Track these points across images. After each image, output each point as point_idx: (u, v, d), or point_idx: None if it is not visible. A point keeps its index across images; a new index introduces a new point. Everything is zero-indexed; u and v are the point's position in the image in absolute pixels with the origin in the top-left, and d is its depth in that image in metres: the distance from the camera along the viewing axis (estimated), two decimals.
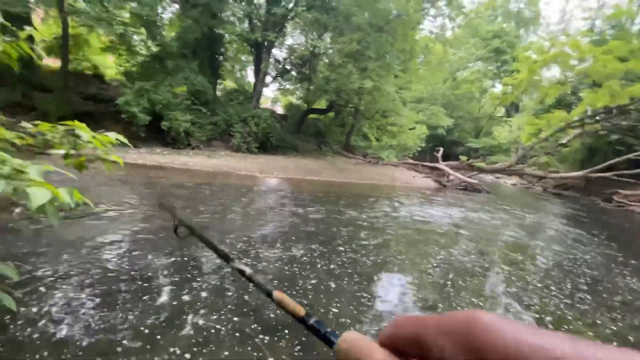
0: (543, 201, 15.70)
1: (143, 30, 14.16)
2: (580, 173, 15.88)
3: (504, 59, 32.92)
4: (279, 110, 22.92)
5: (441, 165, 16.46)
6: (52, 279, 2.89)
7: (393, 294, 3.51)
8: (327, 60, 15.70)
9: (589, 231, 8.40)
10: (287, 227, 5.45)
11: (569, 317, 3.40)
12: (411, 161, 20.18)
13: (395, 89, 17.81)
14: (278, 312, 2.80)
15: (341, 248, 4.67)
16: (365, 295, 3.34)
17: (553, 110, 19.90)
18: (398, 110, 18.75)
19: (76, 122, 2.27)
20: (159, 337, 2.32)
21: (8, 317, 2.30)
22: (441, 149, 18.96)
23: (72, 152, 2.49)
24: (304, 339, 2.49)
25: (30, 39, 1.80)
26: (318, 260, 4.09)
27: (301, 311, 0.31)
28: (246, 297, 3.01)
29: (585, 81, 19.01)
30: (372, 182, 13.44)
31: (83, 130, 2.30)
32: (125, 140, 2.44)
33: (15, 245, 3.47)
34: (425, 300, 3.41)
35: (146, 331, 2.36)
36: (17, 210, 4.35)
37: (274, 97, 23.66)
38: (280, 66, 17.68)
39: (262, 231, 5.05)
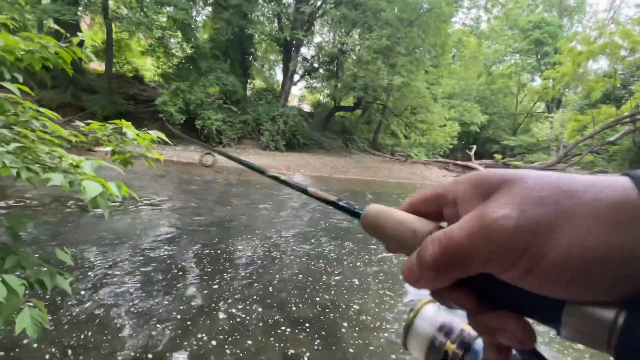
0: None
1: (179, 33, 14.85)
2: None
3: (544, 51, 30.82)
4: (306, 108, 23.08)
5: (474, 164, 15.82)
6: (101, 265, 3.15)
7: (416, 292, 3.46)
8: (355, 57, 15.57)
9: None
10: (310, 224, 5.51)
11: None
12: (442, 159, 19.58)
13: (425, 85, 17.31)
14: (300, 305, 2.86)
15: (368, 246, 4.66)
16: (388, 293, 3.32)
17: (600, 105, 18.41)
18: (428, 107, 18.19)
19: (123, 121, 2.45)
20: (189, 323, 2.46)
21: (59, 298, 2.54)
22: (474, 147, 18.23)
23: (118, 149, 2.69)
24: (323, 332, 2.53)
25: (80, 44, 1.96)
26: (345, 258, 4.11)
27: (333, 197, 0.34)
28: (270, 288, 3.10)
29: (637, 73, 17.36)
30: (399, 181, 13.21)
31: (129, 129, 2.48)
32: (166, 138, 2.60)
33: (71, 233, 3.81)
34: None
35: (179, 316, 2.51)
36: (71, 203, 4.77)
37: (302, 95, 23.83)
38: (308, 64, 17.78)
39: (289, 226, 5.15)
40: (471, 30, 31.40)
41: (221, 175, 8.83)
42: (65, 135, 2.26)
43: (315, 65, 17.96)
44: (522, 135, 31.51)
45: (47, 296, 2.51)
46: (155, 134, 2.62)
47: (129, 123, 2.60)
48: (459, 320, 0.31)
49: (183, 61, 15.02)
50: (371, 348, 2.43)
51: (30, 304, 1.40)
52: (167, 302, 2.70)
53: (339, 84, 15.74)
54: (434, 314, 0.33)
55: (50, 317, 2.29)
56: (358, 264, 3.98)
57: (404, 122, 20.35)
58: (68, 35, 2.37)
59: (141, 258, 3.44)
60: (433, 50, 16.94)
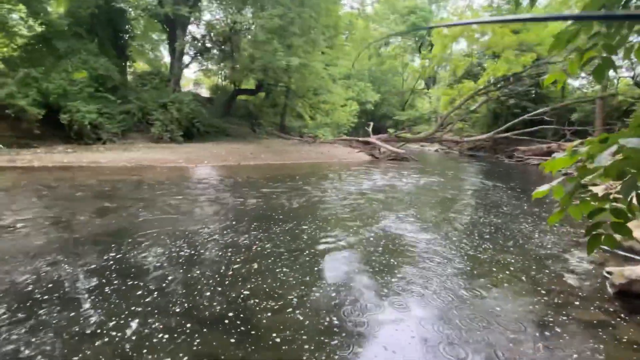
0: (459, 163, 17.67)
1: (21, 6, 11.65)
2: (487, 135, 18.17)
3: (420, 33, 35.09)
4: (204, 93, 21.35)
5: (372, 139, 17.27)
6: None
7: (335, 264, 3.63)
8: (250, 37, 14.90)
9: (495, 182, 9.74)
10: (225, 216, 5.22)
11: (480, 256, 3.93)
12: (346, 137, 20.80)
13: (322, 66, 17.84)
14: (207, 303, 2.69)
15: (279, 228, 4.65)
16: (311, 270, 3.40)
17: (463, 80, 22.14)
18: (329, 88, 18.91)
19: None
20: (87, 349, 2.05)
21: None
22: (371, 124, 19.86)
23: None
24: (238, 327, 2.44)
25: None
26: (262, 242, 4.01)
27: None
28: (171, 292, 2.82)
29: (487, 52, 21.35)
30: (310, 161, 13.55)
31: None
32: None
33: None
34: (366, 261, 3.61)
35: (66, 349, 2.06)
36: None
37: (197, 78, 21.86)
38: (199, 44, 16.26)
39: (198, 223, 4.75)
40: (359, 13, 33.37)
41: (101, 176, 7.52)
42: None
43: (208, 45, 16.57)
44: (410, 110, 35.83)
45: None
46: None
47: None
48: None
49: (32, 42, 11.95)
50: (285, 329, 2.45)
51: None
52: (45, 330, 2.18)
53: (237, 66, 14.93)
54: None
55: None
56: (274, 262, 3.94)
57: (308, 103, 20.77)
58: None
59: (11, 288, 2.68)
60: (327, 32, 17.43)
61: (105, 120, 11.81)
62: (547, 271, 3.69)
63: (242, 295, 2.89)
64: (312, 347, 2.27)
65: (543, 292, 3.20)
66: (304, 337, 2.38)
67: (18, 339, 2.19)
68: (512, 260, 3.93)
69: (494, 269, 3.69)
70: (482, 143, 21.45)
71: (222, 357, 2.14)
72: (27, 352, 2.08)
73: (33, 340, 2.18)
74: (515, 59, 17.29)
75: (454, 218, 5.82)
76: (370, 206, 6.39)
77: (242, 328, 2.44)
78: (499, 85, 18.91)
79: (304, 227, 4.83)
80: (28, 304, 2.57)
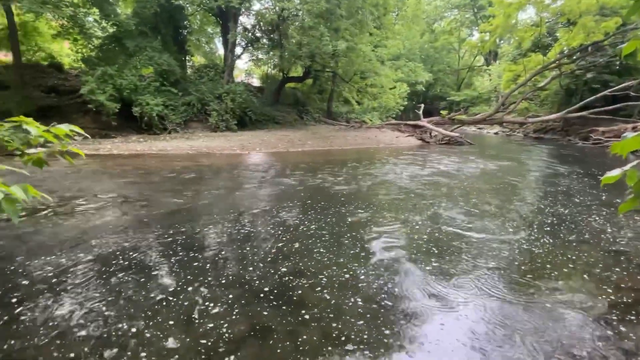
0: (523, 146, 16.09)
1: (95, 9, 13.10)
2: (558, 115, 16.17)
3: (480, 4, 31.94)
4: (255, 82, 22.13)
5: (423, 122, 16.49)
6: (51, 272, 2.91)
7: (383, 246, 3.67)
8: (297, 24, 14.96)
9: (566, 168, 8.74)
10: (276, 199, 5.51)
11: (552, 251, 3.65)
12: (394, 121, 20.15)
13: (371, 48, 17.29)
14: (264, 279, 2.92)
15: (330, 210, 4.78)
16: (353, 254, 3.49)
17: (530, 54, 19.79)
18: (376, 70, 18.33)
19: (22, 117, 2.17)
20: (152, 313, 2.41)
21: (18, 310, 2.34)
22: (422, 106, 18.91)
23: (38, 149, 2.41)
24: (289, 301, 2.63)
25: None
26: (307, 226, 4.19)
27: None
28: (234, 266, 3.11)
29: (561, 20, 18.74)
30: (356, 147, 13.47)
31: (31, 125, 2.21)
32: (81, 130, 2.36)
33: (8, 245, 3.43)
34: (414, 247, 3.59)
35: (141, 307, 2.44)
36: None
37: (248, 69, 22.68)
38: (250, 35, 16.77)
39: (246, 206, 5.10)
40: None
41: (169, 163, 8.35)
42: None
43: (258, 34, 17.01)
44: (466, 90, 33.24)
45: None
46: (66, 127, 2.38)
47: (31, 119, 2.34)
48: None
49: (106, 42, 13.42)
50: (339, 312, 2.58)
51: None
52: (125, 297, 2.60)
53: (285, 54, 15.17)
54: None
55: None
56: (324, 242, 4.09)
57: (355, 87, 20.40)
58: None
59: (92, 259, 3.23)
60: (375, 11, 16.76)
61: (169, 111, 12.96)
62: (616, 269, 3.31)
63: (291, 272, 3.08)
64: (351, 328, 2.37)
65: (610, 291, 2.89)
66: (345, 316, 2.48)
67: (101, 301, 2.63)
68: (575, 257, 3.58)
69: (553, 265, 3.41)
70: (551, 124, 19.19)
71: (273, 327, 2.34)
72: (110, 312, 2.49)
73: (113, 302, 2.60)
74: (595, 26, 14.90)
75: (513, 207, 5.42)
76: (417, 193, 6.21)
77: (288, 304, 2.62)
78: (574, 57, 16.56)
79: (349, 211, 4.90)
80: (110, 271, 3.05)
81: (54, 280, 2.87)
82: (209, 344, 2.17)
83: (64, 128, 2.33)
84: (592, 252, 3.66)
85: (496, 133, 23.91)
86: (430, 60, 33.68)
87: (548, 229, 4.37)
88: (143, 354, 2.05)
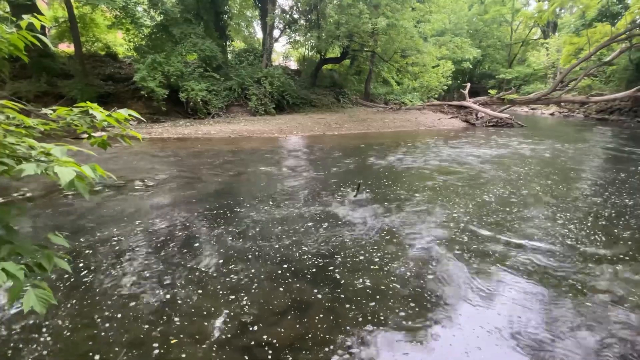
0: (583, 129, 14.53)
1: None
2: (626, 93, 14.29)
3: None
4: (293, 65, 22.11)
5: (468, 102, 15.50)
6: (108, 244, 3.29)
7: (419, 236, 3.62)
8: (336, 2, 14.53)
9: (634, 153, 7.79)
10: (312, 182, 5.60)
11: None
12: (436, 102, 19.15)
13: (413, 24, 16.33)
14: (304, 258, 3.03)
15: (367, 203, 4.78)
16: (390, 243, 3.49)
17: (595, 24, 17.46)
18: (419, 48, 17.30)
19: (89, 103, 2.41)
20: (202, 283, 2.64)
21: (64, 281, 2.71)
22: (468, 85, 17.71)
23: (102, 132, 2.67)
24: (327, 280, 2.71)
25: (34, 27, 1.85)
26: (345, 213, 4.24)
27: None
28: (275, 245, 3.26)
29: None
30: (394, 130, 13.09)
31: (96, 110, 2.45)
32: (138, 115, 2.56)
33: (74, 218, 3.92)
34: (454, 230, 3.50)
35: (190, 278, 2.69)
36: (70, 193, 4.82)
37: (286, 51, 22.65)
38: (287, 16, 16.64)
39: (288, 188, 5.25)
40: None
41: (216, 147, 8.78)
42: (34, 124, 2.25)
43: (295, 16, 16.83)
44: (519, 67, 30.44)
45: (67, 277, 2.67)
46: (125, 112, 2.59)
47: (96, 104, 2.57)
48: None
49: (154, 30, 14.11)
50: (370, 287, 2.63)
51: (33, 285, 1.51)
52: (177, 269, 2.88)
53: (323, 34, 14.89)
54: None
55: (70, 296, 2.47)
56: (361, 224, 4.12)
57: (395, 67, 19.53)
58: (14, 19, 2.24)
59: (148, 233, 3.58)
60: None
61: (213, 97, 13.47)
62: None
63: (327, 253, 3.16)
64: (391, 307, 2.40)
65: None
66: (384, 294, 2.51)
67: (156, 270, 2.91)
68: (624, 256, 3.25)
69: (601, 264, 3.13)
70: (618, 103, 17.03)
71: (311, 303, 2.45)
72: (162, 281, 2.75)
73: (165, 272, 2.87)
74: None
75: (565, 198, 4.99)
76: (457, 180, 5.94)
77: (325, 283, 2.71)
78: None
79: (381, 197, 4.84)
80: (164, 244, 3.35)
81: (116, 248, 3.23)
82: (252, 315, 2.34)
83: (124, 113, 2.55)
84: None
85: (552, 114, 21.79)
86: (478, 35, 31.09)
87: (603, 222, 3.98)
88: (191, 321, 2.27)
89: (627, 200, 4.64)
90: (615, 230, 3.69)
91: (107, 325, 2.22)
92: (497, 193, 4.99)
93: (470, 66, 27.61)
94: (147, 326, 2.22)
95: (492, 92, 18.42)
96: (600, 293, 2.57)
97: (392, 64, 18.80)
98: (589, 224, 3.84)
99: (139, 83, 11.87)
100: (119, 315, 2.31)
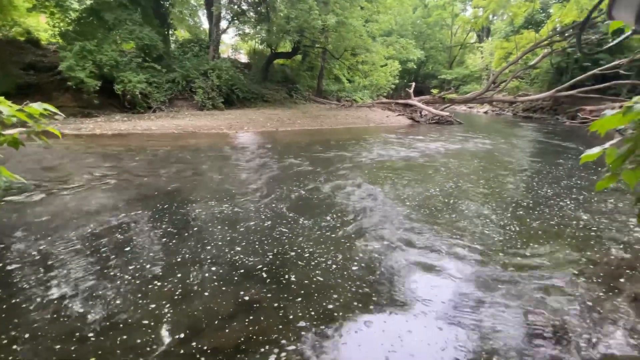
0: (511, 125, 16.26)
1: None
2: (547, 93, 16.25)
3: None
4: (243, 58, 21.41)
5: (413, 101, 16.41)
6: (36, 252, 2.89)
7: (366, 231, 3.75)
8: None
9: (553, 147, 8.92)
10: (264, 180, 5.49)
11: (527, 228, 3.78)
12: (385, 100, 19.96)
13: (362, 23, 16.79)
14: (251, 258, 2.97)
15: (315, 200, 4.81)
16: (335, 237, 3.56)
17: (522, 30, 19.57)
18: (367, 47, 17.87)
19: None
20: (143, 289, 2.44)
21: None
22: (413, 84, 18.73)
23: (15, 130, 2.34)
24: (274, 279, 2.69)
25: None
26: (294, 212, 4.23)
27: None
28: (221, 246, 3.15)
29: None
30: (346, 126, 13.38)
31: (2, 104, 2.12)
32: (55, 109, 2.27)
33: None
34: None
35: (129, 285, 2.47)
36: None
37: (235, 44, 21.85)
38: (235, 7, 16.03)
39: (234, 187, 5.08)
40: None
41: (158, 143, 8.17)
42: None
43: (244, 7, 16.29)
44: (458, 68, 32.91)
45: None
46: (39, 106, 2.30)
47: (2, 98, 2.25)
48: None
49: (83, 15, 12.65)
50: (320, 284, 2.66)
51: None
52: (114, 278, 2.62)
53: (273, 28, 14.62)
54: None
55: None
56: (312, 221, 4.13)
57: (346, 65, 19.94)
58: None
59: (78, 241, 3.21)
60: None
61: (153, 89, 12.51)
62: (594, 244, 3.47)
63: (275, 252, 3.13)
64: (338, 303, 2.46)
65: (591, 266, 3.05)
66: (330, 292, 2.57)
67: (90, 279, 2.64)
68: (555, 233, 3.73)
69: (534, 242, 3.55)
70: (541, 103, 19.34)
71: (260, 304, 2.41)
72: (99, 291, 2.51)
73: (101, 280, 2.62)
74: (588, 2, 14.76)
75: (497, 186, 5.54)
76: (401, 173, 6.28)
77: (275, 281, 2.68)
78: (566, 35, 16.45)
79: (337, 192, 4.94)
80: (97, 250, 3.05)
81: (40, 257, 2.85)
82: (200, 320, 2.23)
83: (37, 107, 2.24)
84: (570, 229, 3.82)
85: (486, 112, 24.00)
86: (422, 37, 33.03)
87: (531, 209, 4.51)
88: (131, 333, 2.10)
89: (547, 191, 5.29)
90: (528, 220, 4.19)
91: (32, 344, 1.96)
92: (434, 184, 5.37)
93: (415, 66, 29.24)
94: (84, 341, 2.00)
95: (435, 91, 19.77)
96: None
97: (343, 62, 19.17)
98: (508, 214, 4.31)
99: (65, 73, 10.60)
100: (52, 333, 2.05)
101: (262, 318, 2.26)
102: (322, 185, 5.18)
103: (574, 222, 3.98)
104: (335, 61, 19.33)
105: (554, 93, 15.62)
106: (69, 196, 4.44)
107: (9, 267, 2.75)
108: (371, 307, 2.42)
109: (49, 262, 2.85)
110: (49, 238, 3.26)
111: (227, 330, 2.14)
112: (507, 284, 2.69)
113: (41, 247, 3.08)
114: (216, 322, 2.21)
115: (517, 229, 3.78)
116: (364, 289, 2.62)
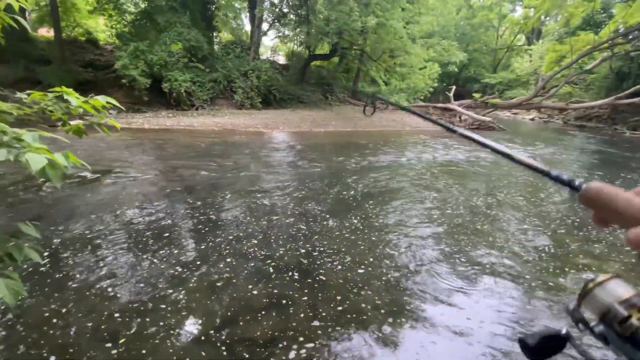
0: (563, 134, 15.09)
1: None
2: (605, 101, 14.90)
3: None
4: (281, 60, 21.88)
5: (453, 105, 15.79)
6: (81, 235, 3.16)
7: (397, 235, 3.66)
8: None
9: (611, 163, 8.15)
10: (296, 178, 5.57)
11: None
12: (421, 104, 19.42)
13: (402, 24, 16.46)
14: (287, 255, 3.01)
15: (352, 202, 4.79)
16: (370, 241, 3.51)
17: (579, 32, 18.11)
18: (407, 49, 17.49)
19: (64, 88, 2.29)
20: (177, 280, 2.57)
21: (36, 268, 2.59)
22: (453, 88, 18.04)
23: (79, 120, 2.55)
24: (309, 277, 2.70)
25: (12, 9, 1.74)
26: (330, 213, 4.23)
27: (544, 166, 0.41)
28: (256, 241, 3.22)
29: None
30: (380, 129, 13.19)
31: (71, 96, 2.33)
32: (117, 103, 2.45)
33: (46, 208, 3.75)
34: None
35: (166, 274, 2.62)
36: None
37: (274, 46, 22.38)
38: (277, 10, 16.43)
39: (272, 183, 5.19)
40: None
41: (196, 139, 8.59)
42: (6, 109, 2.13)
43: (285, 9, 16.64)
44: (503, 72, 31.23)
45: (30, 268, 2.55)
46: (103, 99, 2.48)
47: (71, 90, 2.45)
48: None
49: (138, 17, 13.65)
50: (351, 285, 2.63)
51: (3, 275, 1.43)
52: (154, 262, 2.80)
53: (312, 30, 14.78)
54: (616, 288, 0.36)
55: (36, 288, 2.36)
56: (344, 221, 4.12)
57: (383, 67, 19.65)
58: None
59: (124, 225, 3.47)
60: None
61: (197, 88, 13.17)
62: None
63: (307, 250, 3.15)
64: (371, 304, 2.41)
65: None
66: (364, 292, 2.53)
67: (130, 265, 2.82)
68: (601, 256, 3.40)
69: (572, 266, 3.27)
70: (597, 111, 17.75)
71: (291, 301, 2.43)
72: (137, 277, 2.67)
73: (141, 267, 2.79)
74: None
75: (546, 198, 5.17)
76: (437, 178, 6.06)
77: (306, 279, 2.70)
78: (630, 37, 14.99)
79: (369, 193, 4.88)
80: (139, 237, 3.25)
81: (89, 240, 3.10)
82: (234, 310, 2.30)
83: (101, 100, 2.43)
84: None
85: (532, 119, 22.51)
86: (465, 39, 31.72)
87: (566, 231, 4.15)
88: (168, 316, 2.21)
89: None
90: (570, 236, 3.85)
91: (79, 319, 2.14)
92: (473, 193, 5.11)
93: (456, 69, 28.12)
94: (121, 320, 2.15)
95: (477, 95, 18.84)
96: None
97: (380, 64, 18.90)
98: (547, 232, 3.99)
99: (120, 71, 11.47)
100: (91, 310, 2.23)
101: (293, 314, 2.28)
102: (355, 186, 5.14)
103: None
104: (373, 63, 19.12)
105: (613, 100, 14.28)
106: (120, 183, 4.79)
107: (61, 246, 3.02)
108: (400, 313, 2.35)
109: (97, 242, 3.10)
110: (101, 220, 3.54)
111: (259, 323, 2.19)
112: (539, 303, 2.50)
113: (92, 228, 3.35)
114: (249, 314, 2.26)
115: (558, 250, 3.49)
116: (395, 294, 2.55)
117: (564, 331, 0.39)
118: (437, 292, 2.59)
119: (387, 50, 17.14)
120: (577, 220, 4.17)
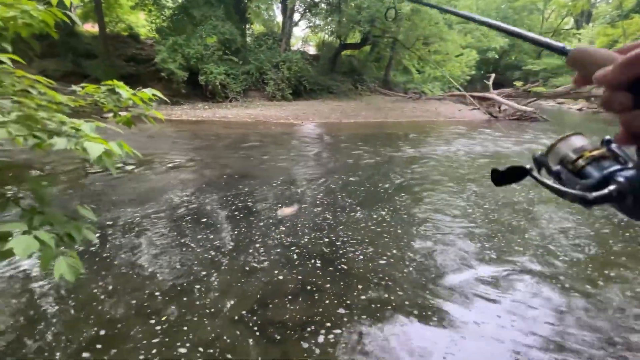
0: (614, 126, 13.80)
1: None
2: None
3: None
4: (312, 50, 21.80)
5: (492, 94, 14.94)
6: (130, 219, 3.44)
7: (429, 230, 3.60)
8: None
9: None
10: (319, 169, 5.61)
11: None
12: (457, 92, 18.55)
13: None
14: (317, 243, 3.08)
15: (384, 193, 4.76)
16: (400, 232, 3.48)
17: (633, 15, 16.30)
18: (442, 35, 16.72)
19: (115, 82, 2.48)
20: (214, 263, 2.73)
21: (91, 248, 2.85)
22: (492, 76, 17.03)
23: (126, 112, 2.75)
24: (337, 265, 2.75)
25: (62, 4, 1.89)
26: (361, 203, 4.25)
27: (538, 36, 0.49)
28: (289, 230, 3.32)
29: None
30: (412, 120, 12.84)
31: (122, 89, 2.51)
32: (162, 96, 2.61)
33: (98, 194, 4.10)
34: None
35: (205, 256, 2.79)
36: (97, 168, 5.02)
37: (305, 36, 22.32)
38: (308, 0, 16.35)
39: (307, 174, 5.28)
40: None
41: (233, 131, 8.88)
42: (64, 101, 2.33)
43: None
44: (547, 58, 28.92)
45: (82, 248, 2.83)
46: (149, 91, 2.64)
47: (122, 83, 2.63)
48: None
49: (175, 12, 14.18)
50: (372, 275, 2.65)
51: (63, 253, 1.60)
52: (191, 246, 2.98)
53: (343, 19, 14.56)
54: (575, 141, 0.43)
55: (87, 266, 2.61)
56: (371, 213, 4.12)
57: (417, 55, 18.96)
58: None
59: (165, 210, 3.71)
60: None
61: (231, 80, 13.52)
62: None
63: (336, 241, 3.19)
64: (394, 296, 2.42)
65: None
66: (388, 286, 2.54)
67: (170, 248, 3.02)
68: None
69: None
70: None
71: (321, 289, 2.50)
72: (176, 259, 2.86)
73: (180, 251, 2.97)
74: None
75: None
76: (474, 172, 5.82)
77: (335, 269, 2.75)
78: None
79: (399, 186, 4.81)
80: (179, 223, 3.46)
81: (136, 224, 3.36)
82: (266, 295, 2.41)
83: (148, 92, 2.60)
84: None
85: (580, 109, 20.77)
86: (507, 22, 29.52)
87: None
88: (205, 297, 2.36)
89: None
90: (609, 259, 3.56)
91: (124, 297, 2.34)
92: (516, 188, 4.86)
93: (496, 56, 26.49)
94: (161, 299, 2.33)
95: (518, 84, 17.67)
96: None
97: (413, 52, 18.27)
98: (590, 231, 3.72)
99: (159, 65, 12.03)
100: (135, 288, 2.43)
101: (319, 300, 2.35)
102: (386, 179, 5.09)
103: None
104: (406, 51, 18.51)
105: None
106: (162, 171, 5.11)
107: (109, 228, 3.29)
108: (426, 307, 2.33)
109: (140, 226, 3.34)
110: (144, 205, 3.81)
111: (288, 307, 2.28)
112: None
113: (136, 213, 3.61)
114: (278, 299, 2.36)
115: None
116: (422, 289, 2.53)
117: (528, 166, 0.44)
118: (464, 289, 2.54)
119: (421, 37, 16.50)
120: (624, 220, 3.86)
